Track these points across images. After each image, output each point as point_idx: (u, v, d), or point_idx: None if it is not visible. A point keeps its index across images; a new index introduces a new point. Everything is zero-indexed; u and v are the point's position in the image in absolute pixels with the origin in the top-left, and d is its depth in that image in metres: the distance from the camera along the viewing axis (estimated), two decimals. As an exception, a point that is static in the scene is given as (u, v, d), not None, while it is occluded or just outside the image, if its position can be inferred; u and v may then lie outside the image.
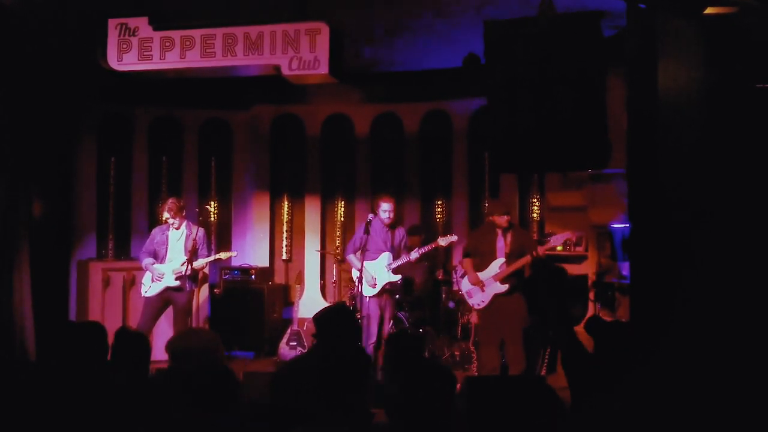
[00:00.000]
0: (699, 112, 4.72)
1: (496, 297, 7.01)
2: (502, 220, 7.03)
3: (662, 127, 4.71)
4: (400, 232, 7.71)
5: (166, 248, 7.49)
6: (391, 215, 7.60)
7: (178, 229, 7.50)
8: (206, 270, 8.17)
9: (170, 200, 7.59)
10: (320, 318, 4.15)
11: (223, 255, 7.77)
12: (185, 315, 7.50)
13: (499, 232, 7.09)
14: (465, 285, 7.22)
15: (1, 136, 6.85)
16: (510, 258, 6.96)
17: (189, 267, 7.30)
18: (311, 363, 3.99)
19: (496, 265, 7.02)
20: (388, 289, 7.48)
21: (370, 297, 7.42)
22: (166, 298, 7.42)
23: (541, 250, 6.91)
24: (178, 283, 7.37)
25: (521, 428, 3.75)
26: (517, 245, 7.01)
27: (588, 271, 7.92)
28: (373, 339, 7.30)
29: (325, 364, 3.79)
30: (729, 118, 4.75)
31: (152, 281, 7.41)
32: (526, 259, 6.89)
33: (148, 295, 7.43)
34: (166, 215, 7.50)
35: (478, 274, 7.08)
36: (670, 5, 4.58)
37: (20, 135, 7.05)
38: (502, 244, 7.05)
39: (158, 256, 7.48)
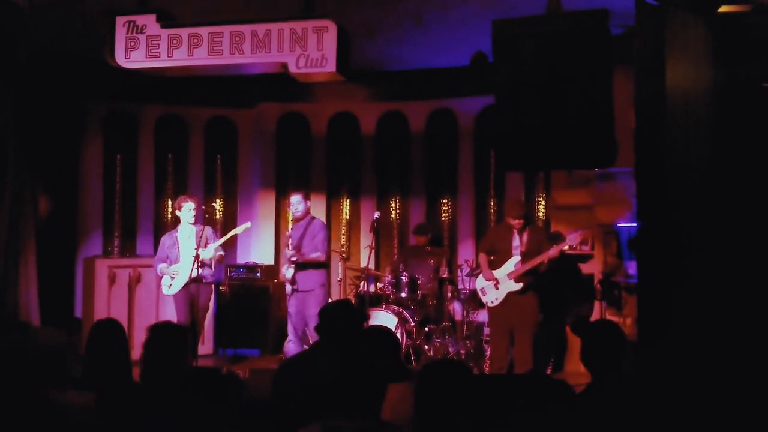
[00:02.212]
0: (707, 110, 4.72)
1: (510, 295, 7.07)
2: (516, 223, 7.11)
3: (670, 126, 4.71)
4: (314, 226, 7.56)
5: (178, 249, 7.53)
6: (295, 209, 7.61)
7: (193, 224, 7.56)
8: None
9: (193, 198, 7.70)
10: (325, 312, 4.15)
11: (238, 230, 7.87)
12: (205, 311, 7.63)
13: (516, 231, 7.16)
14: (480, 282, 7.31)
15: (7, 133, 6.87)
16: (525, 257, 7.01)
17: (196, 262, 7.29)
18: (314, 360, 3.98)
19: (512, 264, 7.09)
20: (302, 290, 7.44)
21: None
22: (191, 292, 7.45)
23: (556, 249, 6.94)
24: (200, 270, 7.41)
25: (525, 426, 3.75)
26: (533, 244, 7.08)
27: (594, 270, 7.91)
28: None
29: (330, 360, 3.78)
30: (737, 116, 4.74)
31: (172, 279, 7.45)
32: (544, 257, 6.92)
33: (171, 292, 7.48)
34: (192, 209, 7.53)
35: (494, 271, 7.14)
36: (683, 3, 4.57)
37: (26, 132, 7.08)
38: (518, 242, 7.14)
39: (170, 259, 7.51)
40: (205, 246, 7.48)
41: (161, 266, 7.53)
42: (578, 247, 8.09)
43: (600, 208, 7.86)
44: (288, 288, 7.54)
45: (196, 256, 7.29)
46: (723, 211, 4.68)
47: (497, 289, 7.14)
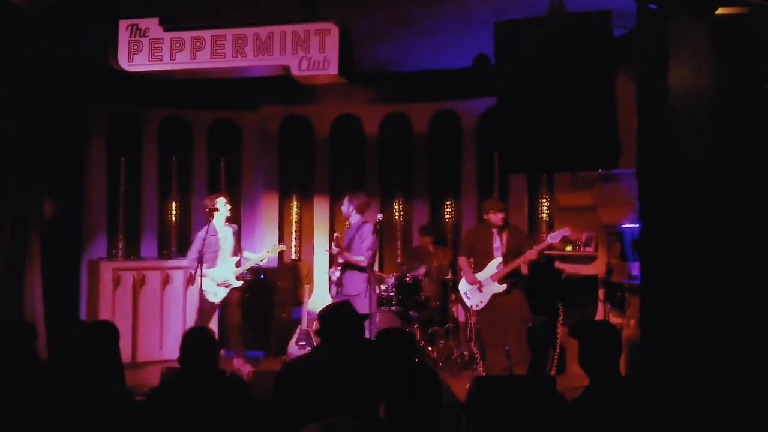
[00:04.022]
0: (709, 112, 4.70)
1: (495, 297, 7.04)
2: (498, 218, 7.06)
3: (672, 128, 4.70)
4: (364, 230, 7.46)
5: (218, 250, 7.60)
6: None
7: (225, 227, 7.68)
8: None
9: (223, 197, 7.77)
10: (324, 314, 4.16)
11: (272, 251, 8.00)
12: (238, 307, 7.84)
13: (495, 231, 7.12)
14: (463, 286, 7.25)
15: (10, 136, 6.88)
16: (507, 257, 6.99)
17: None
18: (315, 361, 3.99)
19: (494, 265, 7.05)
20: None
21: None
22: (224, 301, 7.69)
23: (537, 249, 6.91)
24: (241, 283, 7.72)
25: (528, 427, 3.76)
26: (513, 244, 7.04)
27: (598, 272, 7.90)
28: None
29: (331, 362, 3.79)
30: (739, 118, 4.73)
31: (218, 286, 7.55)
32: (523, 259, 6.90)
33: (217, 300, 7.60)
34: (225, 203, 7.63)
35: (476, 274, 7.10)
36: (680, 6, 4.57)
37: (30, 135, 7.08)
38: (498, 243, 7.09)
39: (205, 258, 7.44)
40: (240, 250, 7.75)
41: (207, 270, 7.49)
42: (581, 249, 8.09)
43: (603, 210, 7.85)
44: (333, 290, 7.54)
45: (239, 261, 7.64)
46: (726, 212, 4.67)
47: (481, 292, 7.09)
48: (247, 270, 8.08)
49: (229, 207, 7.70)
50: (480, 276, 7.08)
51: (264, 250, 7.95)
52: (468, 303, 7.24)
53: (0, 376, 3.79)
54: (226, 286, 7.61)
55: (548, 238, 7.04)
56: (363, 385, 2.84)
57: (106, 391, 3.55)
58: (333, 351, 3.89)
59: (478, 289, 7.09)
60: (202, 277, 7.33)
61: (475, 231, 7.52)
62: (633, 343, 5.97)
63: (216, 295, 7.59)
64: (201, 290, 7.44)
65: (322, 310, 4.23)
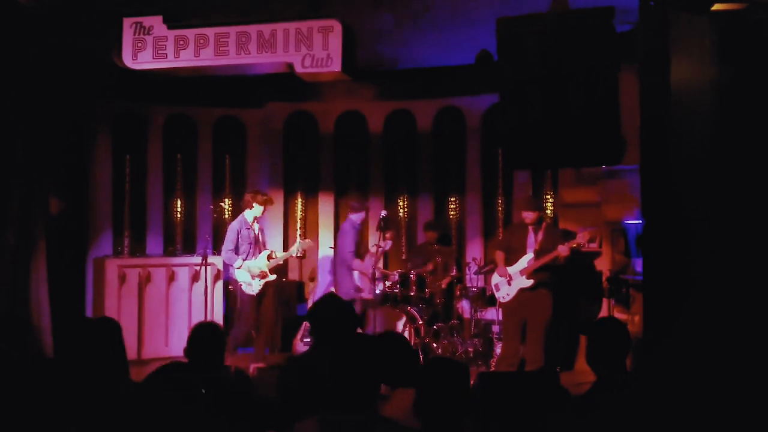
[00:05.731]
0: (712, 108, 4.71)
1: (522, 291, 7.13)
2: (529, 216, 7.16)
3: (675, 123, 4.70)
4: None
5: (253, 245, 7.72)
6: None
7: (256, 222, 7.81)
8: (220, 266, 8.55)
9: (262, 194, 7.92)
10: (312, 314, 4.16)
11: (306, 243, 8.17)
12: (273, 303, 7.98)
13: (531, 228, 7.24)
14: (495, 278, 7.42)
15: (15, 135, 6.90)
16: (539, 254, 7.06)
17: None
18: (318, 358, 4.00)
19: (525, 261, 7.17)
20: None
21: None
22: (261, 293, 7.78)
23: (568, 246, 6.97)
24: (275, 276, 7.84)
25: (532, 423, 3.77)
26: (547, 242, 7.12)
27: (602, 268, 7.90)
28: None
29: (329, 357, 3.79)
30: (741, 113, 4.73)
31: (253, 278, 7.64)
32: (554, 255, 6.94)
33: (254, 292, 7.69)
34: (260, 210, 7.74)
35: (507, 268, 7.22)
36: (679, 1, 4.57)
37: (35, 133, 7.11)
38: (532, 240, 7.23)
39: (240, 250, 7.63)
40: (264, 246, 7.84)
41: (243, 261, 7.61)
42: (586, 245, 8.09)
43: (608, 206, 7.85)
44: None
45: (270, 255, 7.75)
46: (728, 208, 4.67)
47: (510, 285, 7.22)
48: None
49: (263, 209, 7.80)
50: (510, 270, 7.22)
51: (291, 248, 8.14)
52: (497, 295, 7.40)
53: None
54: (263, 278, 7.67)
55: (579, 236, 7.17)
56: (361, 380, 2.85)
57: (110, 387, 3.56)
58: (329, 345, 3.89)
59: (508, 282, 7.22)
60: (238, 268, 7.57)
61: (513, 227, 7.75)
62: (638, 339, 5.98)
63: (251, 286, 7.65)
64: (236, 281, 7.61)
65: (310, 309, 4.23)
